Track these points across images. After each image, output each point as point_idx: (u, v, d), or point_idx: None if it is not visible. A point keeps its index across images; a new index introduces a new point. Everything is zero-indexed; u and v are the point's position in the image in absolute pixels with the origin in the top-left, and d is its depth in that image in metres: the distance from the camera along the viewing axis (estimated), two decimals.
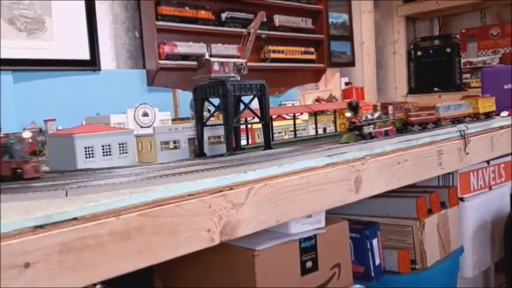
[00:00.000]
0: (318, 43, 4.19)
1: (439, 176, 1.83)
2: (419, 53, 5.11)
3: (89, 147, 1.15)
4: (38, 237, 0.63)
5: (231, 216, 0.87)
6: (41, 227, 0.64)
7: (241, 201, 0.89)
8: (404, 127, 1.55)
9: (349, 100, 2.13)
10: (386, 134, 1.44)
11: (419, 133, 1.51)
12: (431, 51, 5.08)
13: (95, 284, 1.27)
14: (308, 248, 1.25)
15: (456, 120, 1.74)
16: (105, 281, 1.27)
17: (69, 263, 0.65)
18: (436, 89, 4.89)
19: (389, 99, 4.67)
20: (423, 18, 5.43)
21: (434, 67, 4.96)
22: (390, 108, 1.48)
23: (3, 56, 2.48)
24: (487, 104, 1.92)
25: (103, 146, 1.17)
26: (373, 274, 1.49)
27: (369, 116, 1.39)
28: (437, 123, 1.65)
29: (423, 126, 1.59)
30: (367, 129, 1.36)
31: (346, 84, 4.15)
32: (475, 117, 1.85)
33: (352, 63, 4.56)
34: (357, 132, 1.36)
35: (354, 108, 1.39)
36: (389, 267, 1.55)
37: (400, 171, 1.30)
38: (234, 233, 0.87)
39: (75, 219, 0.67)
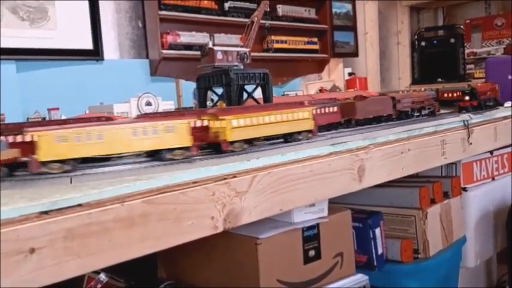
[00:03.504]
0: (321, 33, 4.17)
1: (442, 166, 1.83)
2: (423, 44, 5.09)
3: None
4: (43, 223, 0.64)
5: (234, 204, 0.87)
6: (46, 213, 0.65)
7: (245, 189, 0.89)
8: None
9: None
10: None
11: (422, 122, 1.51)
12: (435, 42, 5.06)
13: (99, 273, 1.29)
14: (311, 236, 1.26)
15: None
16: (110, 270, 1.28)
17: (74, 249, 0.66)
18: (439, 79, 4.88)
19: (393, 90, 4.66)
20: (427, 8, 5.40)
21: (438, 57, 4.95)
22: None
23: (7, 45, 2.48)
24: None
25: None
26: (375, 263, 1.49)
27: None
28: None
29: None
30: None
31: (350, 74, 4.14)
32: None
33: (355, 54, 4.55)
34: None
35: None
36: (392, 256, 1.55)
37: (403, 160, 1.30)
38: (237, 221, 0.88)
39: (79, 205, 0.67)
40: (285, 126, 1.09)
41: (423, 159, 1.38)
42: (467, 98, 1.78)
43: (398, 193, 1.63)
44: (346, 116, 1.41)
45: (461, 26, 4.94)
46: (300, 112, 1.13)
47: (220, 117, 0.96)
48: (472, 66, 4.79)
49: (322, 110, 1.31)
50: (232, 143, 0.98)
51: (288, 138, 1.13)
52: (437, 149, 1.43)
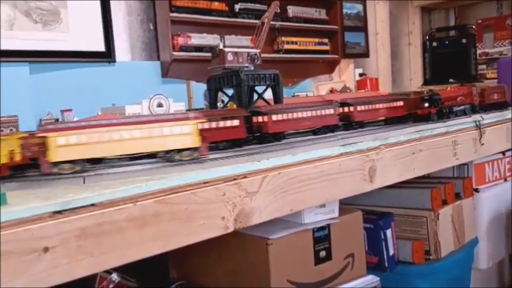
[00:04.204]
0: (331, 34, 4.16)
1: (453, 167, 1.82)
2: (434, 44, 5.06)
3: None
4: (56, 223, 0.65)
5: (245, 204, 0.88)
6: (60, 212, 0.66)
7: (255, 189, 0.89)
8: None
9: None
10: None
11: (434, 123, 1.50)
12: (446, 42, 5.02)
13: (111, 273, 1.30)
14: (321, 237, 1.25)
15: None
16: (122, 270, 1.29)
17: (87, 248, 0.67)
18: (451, 80, 4.84)
19: (404, 90, 4.64)
20: (439, 8, 5.37)
21: (449, 58, 4.91)
22: None
23: (20, 48, 2.51)
24: None
25: None
26: (386, 264, 1.49)
27: None
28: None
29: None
30: None
31: (361, 75, 4.13)
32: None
33: (366, 54, 4.53)
34: None
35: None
36: (403, 257, 1.55)
37: (415, 161, 1.30)
38: (248, 221, 0.88)
39: (93, 205, 0.68)
40: (149, 144, 0.89)
41: (435, 160, 1.38)
42: (426, 104, 1.56)
43: (410, 194, 1.62)
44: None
45: (473, 26, 4.90)
46: (175, 126, 0.91)
47: (40, 135, 0.82)
48: (484, 66, 4.75)
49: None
50: (58, 163, 0.82)
51: (162, 156, 0.97)
52: (448, 149, 1.43)
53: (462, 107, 1.68)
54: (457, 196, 1.70)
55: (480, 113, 1.72)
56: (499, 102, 1.92)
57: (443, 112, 1.60)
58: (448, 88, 1.74)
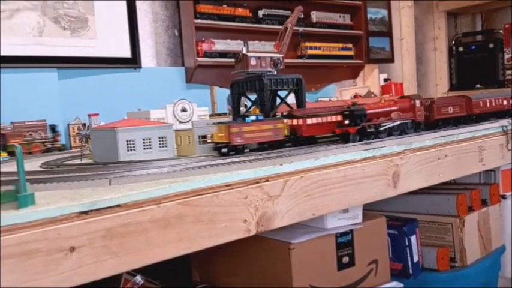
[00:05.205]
0: (356, 39, 4.14)
1: (480, 173, 1.79)
2: (461, 49, 4.98)
3: (130, 141, 1.18)
4: (83, 223, 0.66)
5: (267, 208, 0.88)
6: (86, 212, 0.67)
7: (277, 193, 0.90)
8: None
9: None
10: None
11: (459, 128, 1.48)
12: (473, 47, 4.94)
13: (135, 275, 1.31)
14: (345, 243, 1.25)
15: None
16: (145, 273, 1.31)
17: (112, 248, 0.68)
18: (478, 85, 4.76)
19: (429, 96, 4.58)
20: (465, 13, 5.29)
21: (476, 63, 4.83)
22: None
23: (49, 54, 2.57)
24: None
25: (144, 140, 1.20)
26: (411, 271, 1.47)
27: None
28: None
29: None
30: None
31: (385, 80, 4.09)
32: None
33: (391, 60, 4.49)
34: None
35: None
36: (428, 264, 1.52)
37: (440, 166, 1.28)
38: (270, 225, 0.89)
39: (118, 206, 0.70)
40: None
41: (460, 166, 1.36)
42: (346, 122, 1.28)
43: (435, 200, 1.60)
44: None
45: (501, 31, 4.81)
46: None
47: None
48: None
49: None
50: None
51: None
52: (475, 155, 1.40)
53: (397, 123, 1.38)
54: (484, 203, 1.68)
55: (425, 130, 1.47)
56: (457, 116, 1.61)
57: (366, 132, 1.30)
58: (383, 101, 1.46)
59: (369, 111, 1.32)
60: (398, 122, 1.38)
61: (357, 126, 1.27)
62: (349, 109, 1.29)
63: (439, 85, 5.12)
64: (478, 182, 1.81)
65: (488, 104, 1.75)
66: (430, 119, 1.52)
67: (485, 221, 1.64)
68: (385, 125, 1.35)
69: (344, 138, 1.27)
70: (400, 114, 1.40)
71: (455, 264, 1.55)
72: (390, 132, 1.37)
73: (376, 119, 1.33)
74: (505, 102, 1.85)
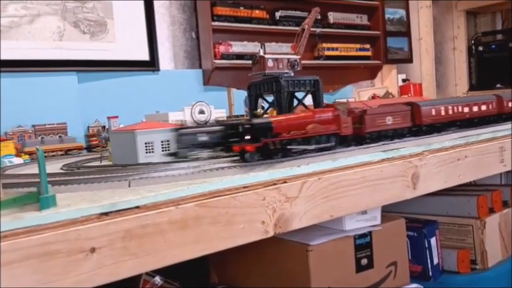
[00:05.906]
0: (373, 39, 4.12)
1: (501, 174, 1.76)
2: (480, 49, 4.92)
3: (149, 143, 1.19)
4: (103, 224, 0.67)
5: (284, 209, 0.88)
6: (106, 214, 0.68)
7: (295, 194, 0.90)
8: None
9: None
10: None
11: (480, 129, 1.46)
12: (493, 46, 4.87)
13: (154, 276, 1.32)
14: (363, 245, 1.24)
15: None
16: (164, 274, 1.31)
17: (131, 249, 0.69)
18: (498, 85, 4.69)
19: (448, 96, 4.53)
20: (484, 12, 5.22)
21: (496, 63, 4.76)
22: None
23: (69, 57, 2.61)
24: None
25: (162, 142, 1.21)
26: (431, 273, 1.45)
27: None
28: None
29: None
30: None
31: (404, 80, 4.06)
32: None
33: (409, 60, 4.45)
34: None
35: None
36: (448, 267, 1.51)
37: (460, 167, 1.27)
38: (287, 226, 0.88)
39: (137, 207, 0.70)
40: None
41: (481, 167, 1.34)
42: (247, 137, 1.02)
43: (455, 201, 1.58)
44: None
45: None
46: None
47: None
48: None
49: None
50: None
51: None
52: (495, 156, 1.38)
53: (315, 139, 1.13)
54: (505, 204, 1.65)
55: (353, 146, 1.23)
56: (398, 128, 1.36)
57: (269, 150, 1.03)
58: (298, 109, 1.26)
59: (278, 124, 1.06)
60: (317, 138, 1.13)
61: (256, 143, 1.00)
62: (249, 122, 1.04)
63: (459, 85, 5.06)
64: (499, 183, 1.78)
65: (443, 113, 1.46)
66: (361, 132, 1.27)
67: (506, 222, 1.61)
68: (295, 142, 1.08)
69: (241, 157, 1.03)
70: (319, 126, 1.14)
71: (476, 267, 1.53)
72: (303, 151, 1.11)
73: (286, 134, 1.07)
74: (483, 107, 1.56)
